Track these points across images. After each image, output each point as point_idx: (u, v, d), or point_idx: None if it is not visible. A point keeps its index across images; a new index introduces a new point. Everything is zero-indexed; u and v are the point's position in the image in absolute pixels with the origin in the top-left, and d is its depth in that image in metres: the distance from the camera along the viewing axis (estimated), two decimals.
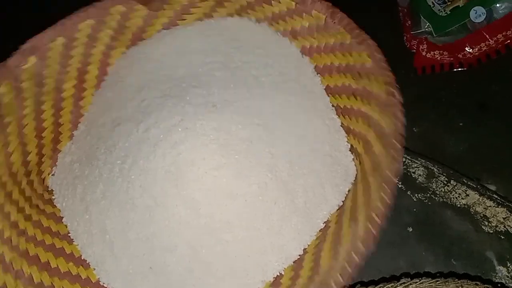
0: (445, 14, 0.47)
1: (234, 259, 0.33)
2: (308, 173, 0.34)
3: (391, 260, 0.39)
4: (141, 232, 0.33)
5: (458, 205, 0.40)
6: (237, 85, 0.36)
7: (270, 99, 0.36)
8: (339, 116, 0.37)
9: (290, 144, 0.35)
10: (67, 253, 0.35)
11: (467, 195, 0.40)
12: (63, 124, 0.41)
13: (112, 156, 0.35)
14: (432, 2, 0.48)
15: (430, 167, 0.41)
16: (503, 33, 0.46)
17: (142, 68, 0.40)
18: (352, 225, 0.31)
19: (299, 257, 0.33)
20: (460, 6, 0.46)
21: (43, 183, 0.40)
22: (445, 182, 0.41)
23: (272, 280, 0.33)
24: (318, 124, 0.36)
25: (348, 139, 0.37)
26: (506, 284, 0.37)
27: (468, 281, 0.32)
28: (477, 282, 0.32)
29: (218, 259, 0.33)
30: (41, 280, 0.33)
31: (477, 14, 0.46)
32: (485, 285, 0.33)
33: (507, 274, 0.37)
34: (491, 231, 0.39)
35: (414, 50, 0.49)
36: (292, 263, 0.33)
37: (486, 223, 0.39)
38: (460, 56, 0.47)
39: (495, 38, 0.46)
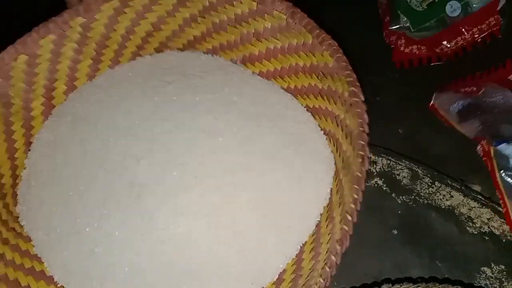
0: (422, 9, 0.47)
1: (225, 263, 0.33)
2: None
3: (377, 262, 0.38)
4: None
5: (443, 207, 0.39)
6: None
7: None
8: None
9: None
10: (47, 275, 0.35)
11: (452, 196, 0.39)
12: None
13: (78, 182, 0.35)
14: None
15: (415, 168, 0.41)
16: (478, 27, 0.46)
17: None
18: (329, 225, 0.31)
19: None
20: (436, 1, 0.46)
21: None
22: (430, 184, 0.40)
23: None
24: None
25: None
26: (490, 285, 0.37)
27: (449, 285, 0.32)
28: (458, 287, 0.32)
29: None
30: None
31: (453, 9, 0.46)
32: None
33: (491, 275, 0.37)
34: (476, 232, 0.38)
35: (393, 46, 0.49)
36: None
37: (471, 224, 0.38)
38: (437, 50, 0.47)
39: (471, 31, 0.46)
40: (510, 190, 0.38)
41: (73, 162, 0.36)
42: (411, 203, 0.40)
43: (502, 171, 0.38)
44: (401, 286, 0.32)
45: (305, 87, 0.37)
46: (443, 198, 0.40)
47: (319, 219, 0.34)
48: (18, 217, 0.37)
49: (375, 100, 0.47)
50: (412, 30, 0.47)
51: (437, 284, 0.32)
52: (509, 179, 0.38)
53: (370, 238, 0.39)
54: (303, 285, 0.30)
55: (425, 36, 0.47)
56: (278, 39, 0.37)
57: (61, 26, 0.36)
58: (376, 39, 0.50)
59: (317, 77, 0.35)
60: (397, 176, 0.41)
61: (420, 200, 0.40)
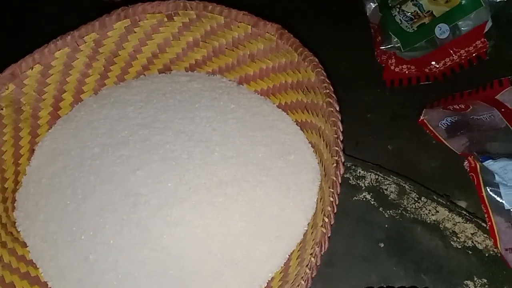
0: (412, 31, 0.49)
1: (216, 271, 0.34)
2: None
3: (364, 275, 0.39)
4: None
5: (428, 221, 0.40)
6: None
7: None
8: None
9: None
10: (42, 281, 0.35)
11: (437, 211, 0.41)
12: None
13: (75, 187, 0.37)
14: (400, 19, 0.49)
15: (402, 184, 0.42)
16: (466, 49, 0.48)
17: None
18: (314, 232, 0.32)
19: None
20: (426, 23, 0.48)
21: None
22: (416, 199, 0.42)
23: None
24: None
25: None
26: None
27: None
28: None
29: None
30: None
31: (442, 31, 0.47)
32: None
33: None
34: (460, 247, 0.39)
35: (384, 65, 0.51)
36: None
37: (455, 238, 0.40)
38: (426, 70, 0.49)
39: (459, 53, 0.48)
40: (495, 205, 0.39)
41: (71, 171, 0.37)
42: (397, 217, 0.41)
43: (488, 186, 0.39)
44: None
45: (293, 102, 0.40)
46: (429, 213, 0.41)
47: (306, 228, 0.35)
48: (16, 222, 0.38)
49: (366, 117, 0.49)
50: (403, 50, 0.49)
51: None
52: (494, 195, 0.39)
53: (358, 251, 0.40)
54: None
55: (414, 56, 0.49)
56: (269, 59, 0.39)
57: (77, 39, 0.38)
58: (368, 58, 0.52)
59: (303, 92, 0.38)
60: (385, 191, 0.42)
61: (407, 214, 0.41)
